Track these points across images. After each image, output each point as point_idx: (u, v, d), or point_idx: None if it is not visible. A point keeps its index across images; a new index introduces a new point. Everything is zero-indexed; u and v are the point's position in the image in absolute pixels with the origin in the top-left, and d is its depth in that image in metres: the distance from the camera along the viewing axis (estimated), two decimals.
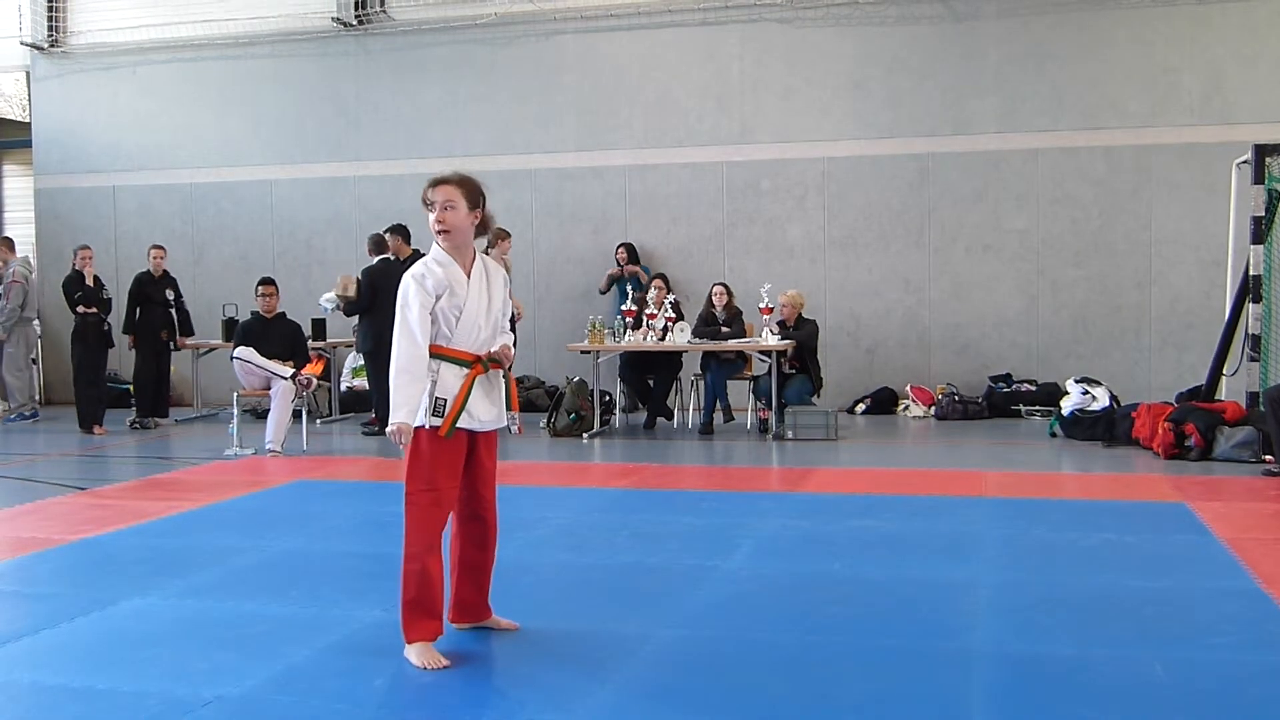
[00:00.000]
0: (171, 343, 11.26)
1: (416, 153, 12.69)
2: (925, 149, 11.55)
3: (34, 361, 12.31)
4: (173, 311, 11.27)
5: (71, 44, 13.77)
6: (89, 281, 10.92)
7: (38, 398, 12.36)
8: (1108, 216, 11.22)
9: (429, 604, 3.79)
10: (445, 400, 3.76)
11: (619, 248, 11.89)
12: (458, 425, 3.78)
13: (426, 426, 3.74)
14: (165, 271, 11.33)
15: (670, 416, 10.51)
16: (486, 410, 3.87)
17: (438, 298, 3.76)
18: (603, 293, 11.88)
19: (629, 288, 11.01)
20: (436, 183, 3.82)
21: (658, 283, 10.43)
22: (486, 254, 4.03)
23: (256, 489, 7.38)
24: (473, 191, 3.83)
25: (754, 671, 3.69)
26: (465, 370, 3.81)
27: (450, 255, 3.83)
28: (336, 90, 12.97)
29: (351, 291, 10.12)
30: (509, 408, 3.97)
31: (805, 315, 10.22)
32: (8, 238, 12.46)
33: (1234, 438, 8.01)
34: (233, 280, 12.68)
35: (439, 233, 3.81)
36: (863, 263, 11.74)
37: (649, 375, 10.50)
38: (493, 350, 3.90)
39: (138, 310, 11.16)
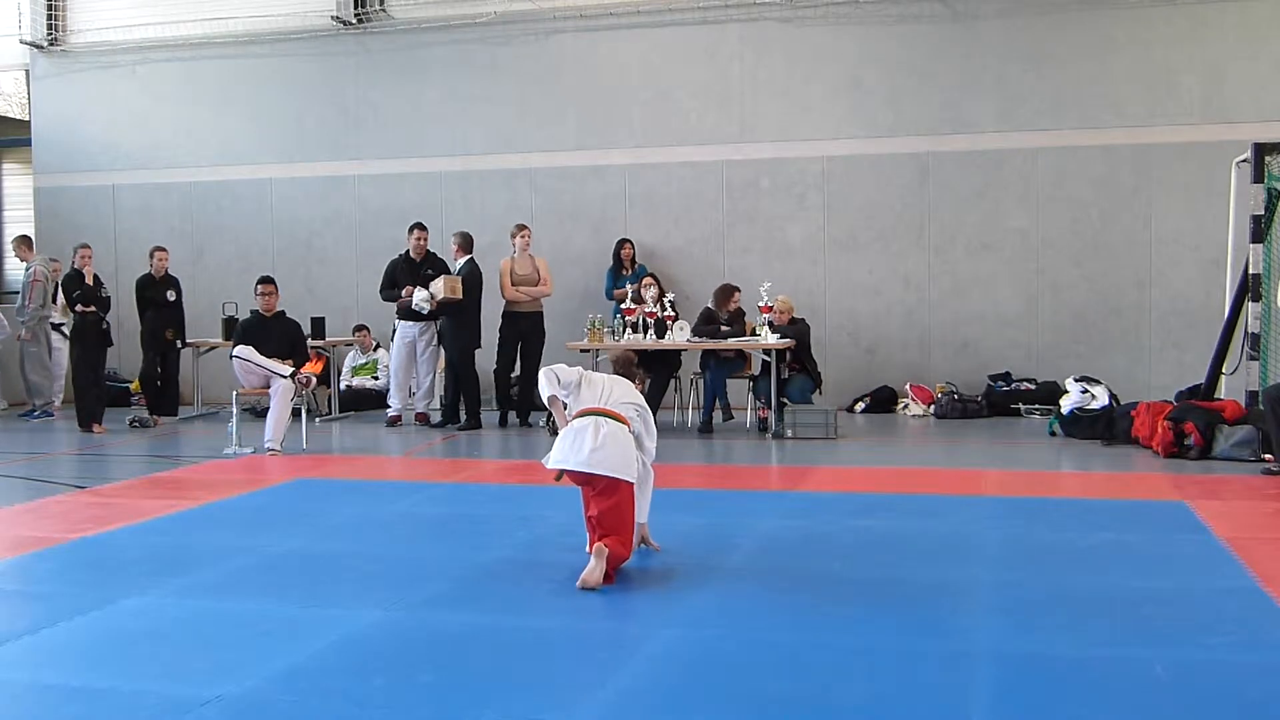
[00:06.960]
0: (179, 341, 11.32)
1: (417, 152, 12.70)
2: (925, 148, 11.54)
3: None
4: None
5: (71, 42, 13.76)
6: (88, 280, 10.93)
7: (59, 397, 12.37)
8: (1108, 216, 11.21)
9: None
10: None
11: (625, 243, 11.76)
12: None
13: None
14: (167, 272, 11.36)
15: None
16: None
17: None
18: (618, 299, 11.45)
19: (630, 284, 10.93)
20: None
21: (650, 280, 10.41)
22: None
23: (256, 488, 7.38)
24: None
25: (754, 671, 3.69)
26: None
27: None
28: (336, 89, 12.96)
29: (459, 293, 10.31)
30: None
31: (796, 315, 10.20)
32: (27, 236, 12.47)
33: (1233, 436, 8.01)
34: (232, 279, 12.68)
35: None
36: (863, 262, 11.73)
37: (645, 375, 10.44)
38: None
39: (143, 312, 11.26)
